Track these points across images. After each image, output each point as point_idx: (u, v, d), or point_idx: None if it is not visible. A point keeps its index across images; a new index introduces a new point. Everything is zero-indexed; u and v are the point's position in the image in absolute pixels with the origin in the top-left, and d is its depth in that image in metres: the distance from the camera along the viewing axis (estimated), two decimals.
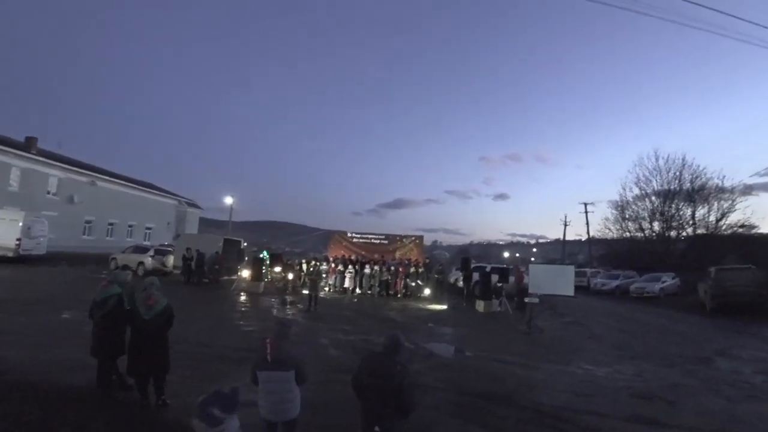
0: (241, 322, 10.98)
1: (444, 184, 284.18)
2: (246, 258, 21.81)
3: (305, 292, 15.46)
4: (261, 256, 19.55)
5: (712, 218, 31.08)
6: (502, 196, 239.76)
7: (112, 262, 20.66)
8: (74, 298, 11.19)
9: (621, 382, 7.25)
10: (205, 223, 55.16)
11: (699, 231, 31.58)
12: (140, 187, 37.49)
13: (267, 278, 19.60)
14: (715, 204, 31.04)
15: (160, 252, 21.74)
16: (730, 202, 30.39)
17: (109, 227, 33.65)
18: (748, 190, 30.79)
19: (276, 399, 3.34)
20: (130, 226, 35.64)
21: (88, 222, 31.37)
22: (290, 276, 19.20)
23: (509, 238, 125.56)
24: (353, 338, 9.70)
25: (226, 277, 19.90)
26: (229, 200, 36.17)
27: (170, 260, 21.05)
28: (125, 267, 8.08)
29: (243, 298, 15.83)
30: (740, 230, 29.83)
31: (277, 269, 20.24)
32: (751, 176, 53.68)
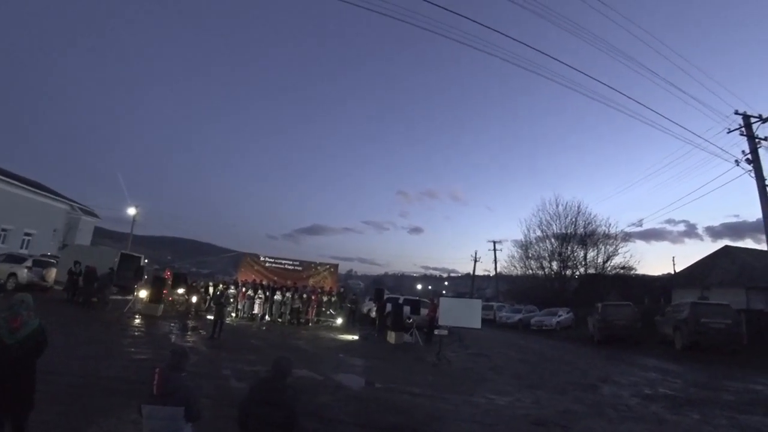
0: (132, 349, 9.82)
1: (362, 214, 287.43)
2: (145, 276, 19.89)
3: (210, 317, 14.40)
4: (163, 275, 17.98)
5: (600, 260, 35.01)
6: (417, 230, 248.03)
7: None
8: None
9: (520, 410, 7.60)
10: (101, 234, 49.79)
11: (589, 271, 35.25)
12: (22, 185, 31.65)
13: (168, 300, 17.99)
14: (602, 248, 35.12)
15: (40, 263, 18.81)
16: (614, 246, 34.63)
17: None
18: (627, 237, 35.37)
19: None
20: (3, 230, 30.39)
21: None
22: (194, 299, 17.82)
23: (422, 271, 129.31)
24: (258, 369, 9.12)
25: (120, 297, 17.89)
26: (131, 211, 33.07)
27: (52, 274, 18.41)
28: None
29: (138, 321, 14.28)
30: (621, 271, 33.85)
31: (180, 291, 18.69)
32: (628, 226, 61.43)
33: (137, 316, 15.04)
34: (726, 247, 27.52)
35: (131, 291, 18.24)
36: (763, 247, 19.28)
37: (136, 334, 12.09)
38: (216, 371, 8.53)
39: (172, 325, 14.30)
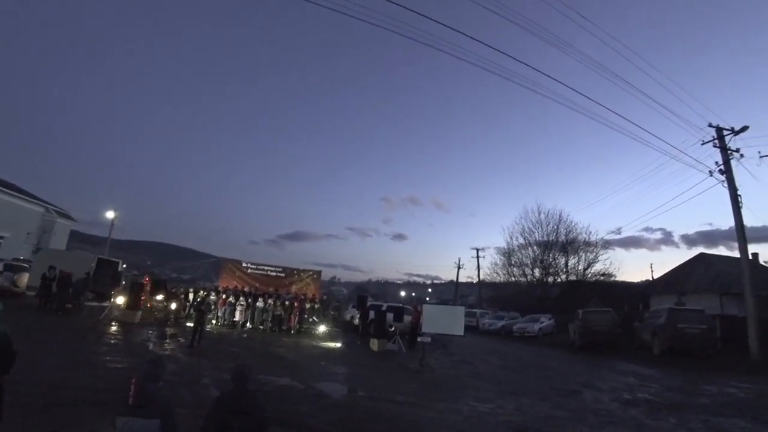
0: (108, 358, 9.53)
1: (345, 220, 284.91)
2: (123, 282, 19.42)
3: (189, 324, 14.10)
4: (141, 281, 17.56)
5: (581, 267, 35.65)
6: (400, 237, 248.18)
7: None
8: None
9: (502, 416, 7.63)
10: (78, 238, 48.57)
11: (571, 278, 35.81)
12: None
13: (146, 307, 17.59)
14: (583, 255, 35.78)
15: (12, 268, 18.11)
16: (594, 254, 35.30)
17: None
18: (607, 244, 36.13)
19: None
20: None
21: None
22: (173, 306, 17.45)
23: (406, 278, 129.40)
24: None
25: (96, 304, 17.39)
26: (110, 214, 32.27)
27: (24, 279, 17.76)
28: None
29: (114, 328, 13.90)
30: (601, 278, 34.49)
31: (159, 297, 18.30)
32: (608, 234, 62.54)
33: (114, 324, 14.64)
34: (701, 254, 28.31)
35: (108, 297, 17.77)
36: (735, 254, 19.89)
37: (112, 342, 11.76)
38: (195, 380, 8.33)
39: (150, 332, 13.96)
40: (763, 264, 23.89)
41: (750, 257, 17.70)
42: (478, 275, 46.32)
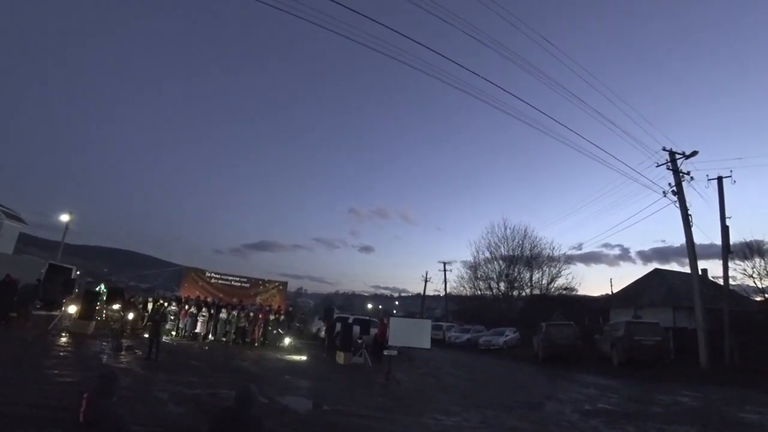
0: (56, 371, 8.93)
1: (313, 231, 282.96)
2: (76, 290, 18.38)
3: (147, 336, 13.48)
4: (97, 289, 16.67)
5: (544, 281, 36.64)
6: (367, 249, 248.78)
7: None
8: None
9: (467, 429, 7.64)
10: (27, 242, 45.68)
11: (535, 292, 36.71)
12: None
13: (101, 317, 16.69)
14: (547, 270, 36.80)
15: None
16: (557, 269, 36.36)
17: None
18: (569, 260, 37.30)
19: None
20: None
21: None
22: (131, 316, 16.64)
23: (373, 290, 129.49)
24: (199, 392, 8.60)
25: (44, 313, 16.34)
26: (65, 217, 30.62)
27: None
28: None
29: (64, 339, 13.09)
30: (564, 292, 35.54)
31: (116, 307, 17.42)
32: (569, 249, 64.60)
33: (64, 334, 13.81)
34: (656, 270, 29.69)
35: (58, 306, 16.76)
36: (687, 270, 20.92)
37: (61, 354, 11.05)
38: (151, 395, 7.93)
39: (104, 344, 13.24)
40: (711, 279, 25.24)
41: (700, 273, 18.67)
42: (445, 289, 46.79)
